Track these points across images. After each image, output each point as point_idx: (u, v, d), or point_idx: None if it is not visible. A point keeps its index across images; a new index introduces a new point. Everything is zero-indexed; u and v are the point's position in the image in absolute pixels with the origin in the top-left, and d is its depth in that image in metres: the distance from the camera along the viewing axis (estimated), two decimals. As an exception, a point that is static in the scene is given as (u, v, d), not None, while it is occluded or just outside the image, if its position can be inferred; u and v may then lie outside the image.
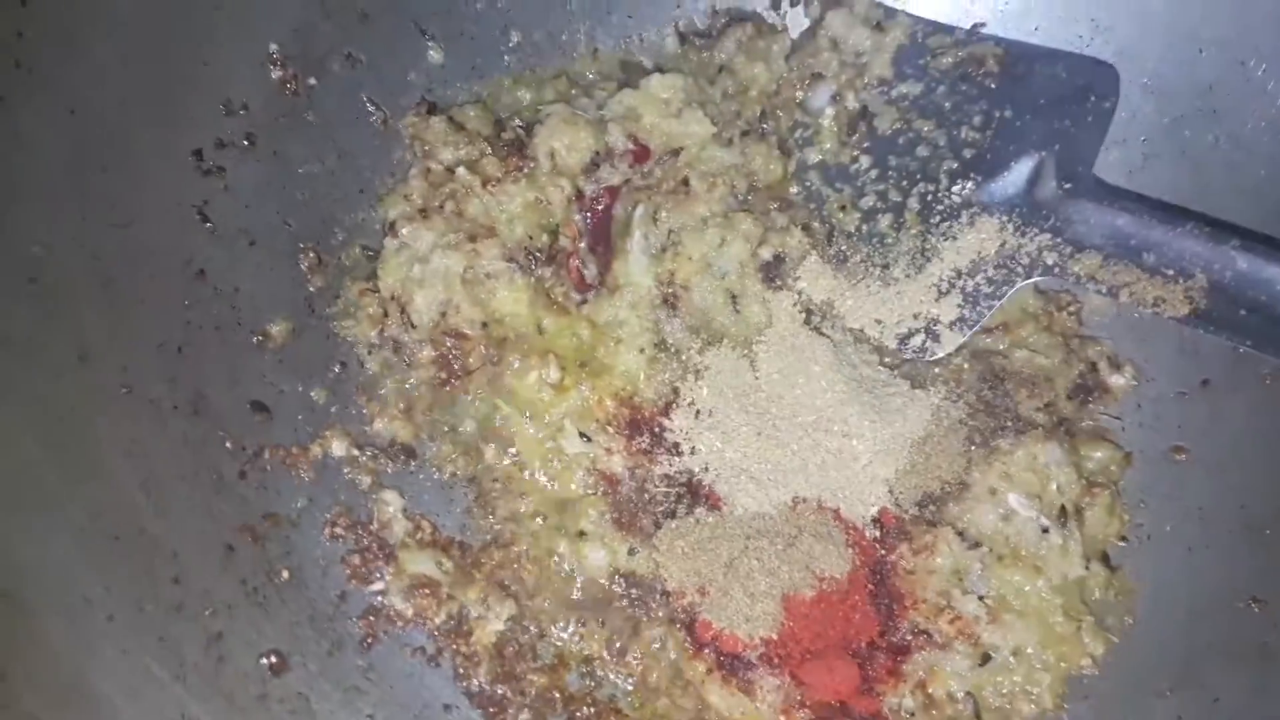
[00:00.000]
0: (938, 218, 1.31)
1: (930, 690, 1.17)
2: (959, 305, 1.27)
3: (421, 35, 1.33)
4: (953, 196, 1.30)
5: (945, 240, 1.29)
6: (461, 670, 1.10)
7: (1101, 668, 1.18)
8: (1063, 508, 1.21)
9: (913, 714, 1.15)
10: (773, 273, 1.31)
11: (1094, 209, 1.23)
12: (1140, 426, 1.32)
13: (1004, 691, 1.17)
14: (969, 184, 1.30)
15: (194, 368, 1.07)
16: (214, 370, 1.09)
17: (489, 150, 1.31)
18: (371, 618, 1.09)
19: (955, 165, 1.32)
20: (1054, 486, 1.22)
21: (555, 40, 1.40)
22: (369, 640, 1.08)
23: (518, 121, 1.34)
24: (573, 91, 1.38)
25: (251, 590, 1.01)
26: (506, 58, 1.39)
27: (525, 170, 1.29)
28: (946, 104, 1.34)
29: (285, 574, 1.06)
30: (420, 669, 1.09)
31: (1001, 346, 1.33)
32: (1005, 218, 1.27)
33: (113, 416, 0.97)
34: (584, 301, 1.30)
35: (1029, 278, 1.24)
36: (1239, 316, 1.14)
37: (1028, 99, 1.30)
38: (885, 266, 1.31)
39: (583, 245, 1.33)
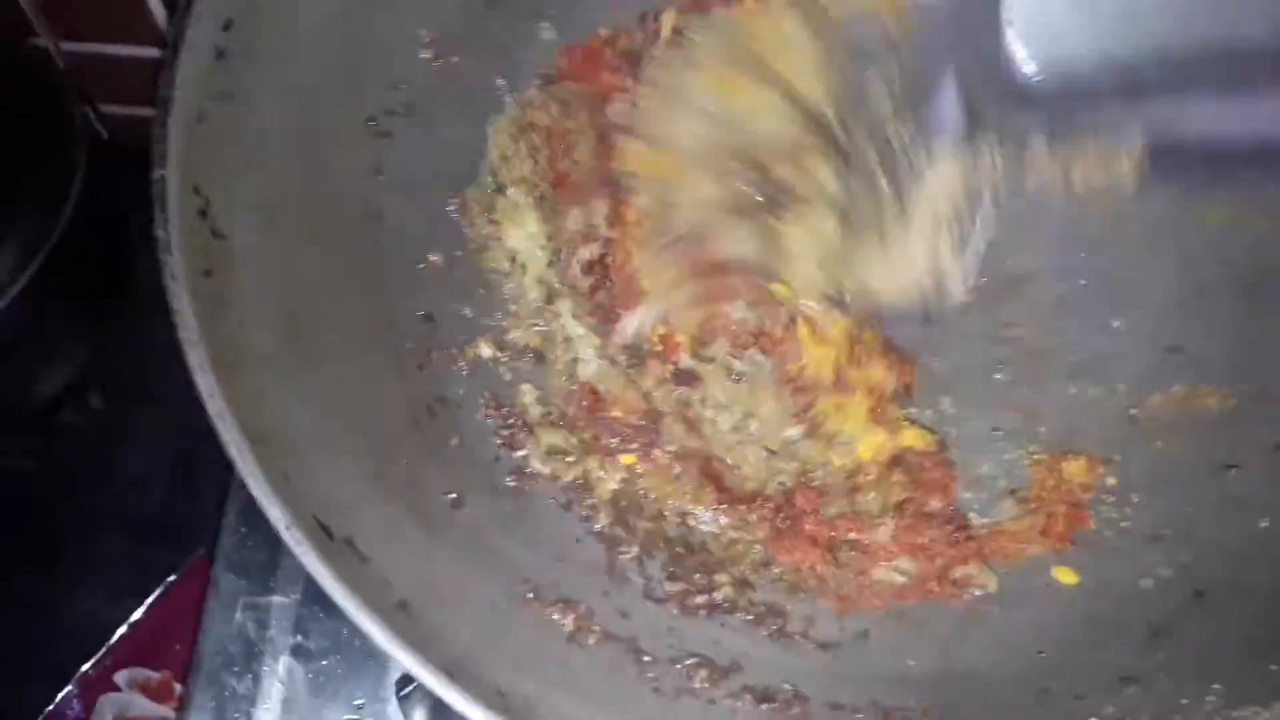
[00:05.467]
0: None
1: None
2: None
3: (537, 18, 1.63)
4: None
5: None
6: (586, 515, 1.43)
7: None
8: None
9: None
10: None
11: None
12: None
13: None
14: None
15: (385, 292, 1.41)
16: (397, 291, 1.43)
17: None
18: (519, 474, 1.42)
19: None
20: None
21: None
22: (518, 491, 1.41)
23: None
24: None
25: (434, 452, 1.35)
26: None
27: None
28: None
29: (455, 440, 1.39)
30: (557, 512, 1.42)
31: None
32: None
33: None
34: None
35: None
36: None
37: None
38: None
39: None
